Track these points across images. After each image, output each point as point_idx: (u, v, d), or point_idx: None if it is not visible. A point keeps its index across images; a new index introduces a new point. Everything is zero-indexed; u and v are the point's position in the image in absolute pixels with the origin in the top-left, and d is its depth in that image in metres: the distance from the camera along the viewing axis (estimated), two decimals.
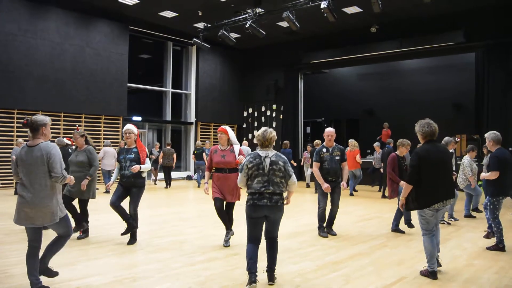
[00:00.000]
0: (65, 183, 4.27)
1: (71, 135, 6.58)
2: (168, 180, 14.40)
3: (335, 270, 4.74)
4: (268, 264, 4.21)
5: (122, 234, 5.89)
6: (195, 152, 14.76)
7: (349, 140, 12.75)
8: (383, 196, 11.48)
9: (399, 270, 4.78)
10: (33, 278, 3.76)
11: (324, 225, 6.69)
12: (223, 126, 5.87)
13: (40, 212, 3.64)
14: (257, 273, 4.01)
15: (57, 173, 3.70)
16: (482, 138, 11.54)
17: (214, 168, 5.75)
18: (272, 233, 4.22)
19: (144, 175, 5.91)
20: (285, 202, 4.23)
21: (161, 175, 15.83)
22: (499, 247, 5.71)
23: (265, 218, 4.13)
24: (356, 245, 6.02)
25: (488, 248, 5.76)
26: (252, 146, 18.27)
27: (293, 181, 4.19)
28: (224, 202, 5.75)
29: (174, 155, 14.38)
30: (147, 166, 5.87)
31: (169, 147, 14.44)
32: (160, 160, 14.40)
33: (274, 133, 4.25)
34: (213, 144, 12.52)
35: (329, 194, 6.58)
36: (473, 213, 8.22)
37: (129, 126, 5.94)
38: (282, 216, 4.21)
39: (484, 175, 5.94)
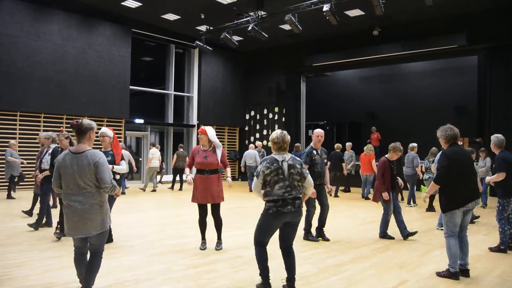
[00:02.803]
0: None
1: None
2: (181, 182, 14.35)
3: (336, 273, 4.73)
4: (290, 276, 3.98)
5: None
6: None
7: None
8: None
9: (400, 273, 4.77)
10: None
11: (313, 229, 6.53)
12: (202, 127, 5.81)
13: (90, 220, 3.52)
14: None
15: (106, 183, 3.53)
16: (485, 141, 11.52)
17: (196, 169, 5.68)
18: (290, 240, 4.05)
19: (118, 177, 5.80)
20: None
21: (167, 177, 15.88)
22: (501, 248, 5.73)
23: (283, 224, 3.96)
24: (358, 248, 6.00)
25: (491, 249, 5.81)
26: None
27: (310, 183, 4.03)
28: (208, 206, 5.69)
29: (187, 158, 14.31)
30: (121, 167, 5.74)
31: (182, 150, 14.37)
32: (173, 163, 14.28)
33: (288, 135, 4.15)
34: None
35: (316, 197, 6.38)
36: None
37: (103, 129, 5.86)
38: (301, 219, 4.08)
39: (489, 178, 5.97)
